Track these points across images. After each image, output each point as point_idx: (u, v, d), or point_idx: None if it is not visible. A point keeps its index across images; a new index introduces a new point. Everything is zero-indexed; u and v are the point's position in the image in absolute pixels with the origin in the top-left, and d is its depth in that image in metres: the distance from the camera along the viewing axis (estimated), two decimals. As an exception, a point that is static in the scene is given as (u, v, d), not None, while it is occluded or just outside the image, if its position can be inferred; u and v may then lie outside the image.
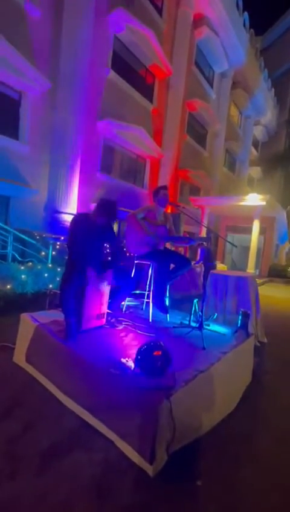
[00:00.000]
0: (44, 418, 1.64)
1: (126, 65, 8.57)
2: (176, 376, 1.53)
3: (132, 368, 1.54)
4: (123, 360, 1.60)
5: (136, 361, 1.49)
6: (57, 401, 1.78)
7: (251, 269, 10.51)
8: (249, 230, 11.24)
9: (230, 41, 12.11)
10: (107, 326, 2.30)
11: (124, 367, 1.55)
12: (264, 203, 9.98)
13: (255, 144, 20.67)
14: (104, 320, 2.31)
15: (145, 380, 1.45)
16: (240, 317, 2.61)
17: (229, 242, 2.85)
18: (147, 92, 9.40)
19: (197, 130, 12.70)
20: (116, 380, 1.51)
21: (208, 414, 1.70)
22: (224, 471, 1.44)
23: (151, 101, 9.62)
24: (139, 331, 2.29)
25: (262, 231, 12.03)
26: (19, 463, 1.32)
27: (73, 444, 1.46)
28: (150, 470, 1.30)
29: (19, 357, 2.24)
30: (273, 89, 18.26)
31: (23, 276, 3.78)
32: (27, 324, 2.26)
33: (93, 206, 7.23)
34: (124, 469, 1.34)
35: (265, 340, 3.63)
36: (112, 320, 2.35)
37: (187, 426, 1.52)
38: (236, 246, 3.63)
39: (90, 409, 1.60)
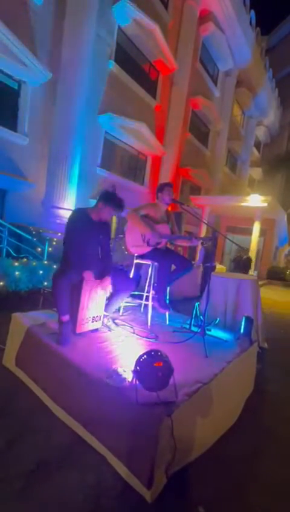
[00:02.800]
0: (32, 430, 1.50)
1: (130, 59, 8.36)
2: (177, 389, 1.40)
3: (130, 380, 1.41)
4: (120, 370, 1.47)
5: (134, 372, 1.36)
6: (47, 412, 1.64)
7: (250, 271, 10.42)
8: (249, 232, 11.13)
9: (236, 39, 11.91)
10: (104, 330, 2.17)
11: (121, 378, 1.42)
12: (265, 204, 9.86)
13: (257, 145, 20.51)
14: (100, 323, 2.18)
15: (145, 394, 1.32)
16: (243, 322, 2.49)
17: (237, 244, 2.72)
18: (150, 87, 9.20)
19: (199, 128, 12.53)
20: (112, 392, 1.38)
21: (209, 429, 1.58)
22: (227, 494, 1.32)
23: (154, 96, 9.42)
24: (137, 336, 2.16)
25: (262, 233, 11.93)
26: (0, 484, 1.19)
27: (63, 461, 1.33)
28: (147, 495, 1.17)
29: (9, 360, 2.10)
30: (277, 90, 18.10)
31: (16, 273, 3.63)
32: (18, 325, 2.12)
33: (91, 202, 7.02)
34: (119, 493, 1.21)
35: (266, 345, 3.52)
36: (108, 324, 2.21)
37: (188, 444, 1.40)
38: (244, 248, 3.51)
39: (84, 422, 1.47)
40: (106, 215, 2.10)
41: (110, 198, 2.07)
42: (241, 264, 7.86)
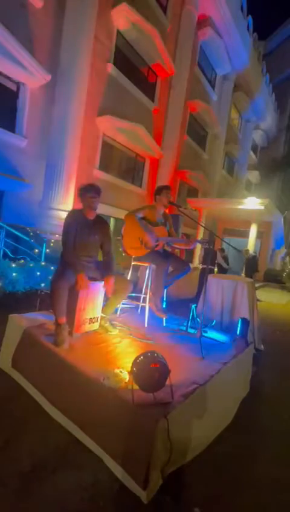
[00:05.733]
0: (28, 432, 1.50)
1: (128, 62, 8.42)
2: (173, 390, 1.41)
3: (127, 381, 1.42)
4: (117, 371, 1.48)
5: (131, 373, 1.37)
6: (44, 413, 1.64)
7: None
8: (246, 234, 11.21)
9: (233, 43, 12.05)
10: (101, 331, 2.18)
11: (118, 379, 1.42)
12: (262, 207, 9.94)
13: (254, 149, 20.70)
14: (97, 324, 2.19)
15: (141, 395, 1.33)
16: (239, 324, 2.51)
17: (233, 247, 2.74)
18: (148, 90, 9.27)
19: (197, 132, 12.61)
20: (109, 393, 1.38)
21: (205, 430, 1.59)
22: (223, 496, 1.33)
23: (152, 100, 9.49)
24: (134, 337, 2.17)
25: (259, 235, 12.02)
26: (-3, 485, 1.19)
27: (60, 463, 1.33)
28: (143, 495, 1.18)
29: (5, 361, 2.09)
30: (274, 95, 18.32)
31: (14, 274, 3.62)
32: (15, 326, 2.12)
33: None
34: (116, 494, 1.22)
35: (262, 347, 3.54)
36: (105, 325, 2.22)
37: (184, 445, 1.41)
38: (240, 251, 3.53)
39: (80, 423, 1.47)
40: (89, 204, 2.12)
41: (81, 188, 2.16)
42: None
